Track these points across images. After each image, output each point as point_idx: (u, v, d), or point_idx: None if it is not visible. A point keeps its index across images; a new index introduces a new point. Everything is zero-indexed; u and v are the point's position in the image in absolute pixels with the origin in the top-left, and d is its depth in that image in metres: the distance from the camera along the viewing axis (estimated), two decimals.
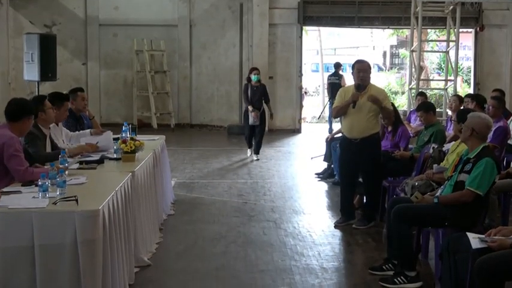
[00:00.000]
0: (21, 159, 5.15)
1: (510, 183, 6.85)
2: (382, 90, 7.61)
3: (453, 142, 6.86)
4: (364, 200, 7.80)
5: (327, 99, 20.13)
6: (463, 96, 10.12)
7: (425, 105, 8.20)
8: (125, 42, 17.40)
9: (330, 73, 18.42)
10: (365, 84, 7.27)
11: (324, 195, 9.41)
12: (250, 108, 12.04)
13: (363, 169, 7.42)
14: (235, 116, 17.26)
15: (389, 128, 8.27)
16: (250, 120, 12.08)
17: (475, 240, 4.37)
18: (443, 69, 20.92)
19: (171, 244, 6.73)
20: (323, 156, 10.66)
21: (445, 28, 16.73)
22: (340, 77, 17.17)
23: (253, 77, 12.06)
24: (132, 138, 6.44)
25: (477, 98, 8.83)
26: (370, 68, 7.41)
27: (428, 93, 17.12)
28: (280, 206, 8.56)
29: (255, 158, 12.25)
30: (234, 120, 17.19)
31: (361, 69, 7.30)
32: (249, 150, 12.64)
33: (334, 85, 16.54)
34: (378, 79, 25.83)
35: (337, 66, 18.14)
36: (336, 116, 7.94)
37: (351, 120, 7.34)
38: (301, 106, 18.38)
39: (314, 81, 29.66)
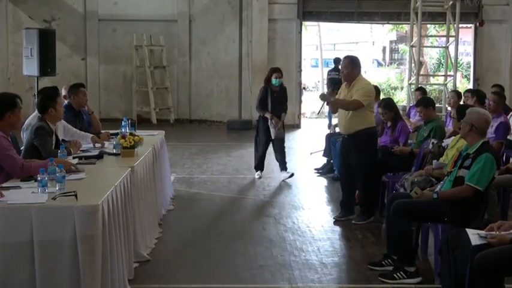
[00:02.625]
0: (14, 158, 5.09)
1: (510, 178, 6.85)
2: (365, 83, 7.35)
3: (453, 137, 6.86)
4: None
5: None
6: (462, 91, 10.12)
7: (424, 101, 8.19)
8: (124, 38, 17.37)
9: (330, 68, 18.41)
10: (348, 80, 7.35)
11: (323, 191, 9.41)
12: (268, 116, 9.44)
13: (354, 165, 7.43)
14: (235, 111, 17.25)
15: (389, 124, 8.28)
16: (274, 133, 9.46)
17: (474, 236, 4.37)
18: (443, 64, 20.89)
19: (171, 239, 6.73)
20: (322, 152, 10.66)
21: (445, 23, 16.72)
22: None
23: (275, 81, 9.44)
24: (131, 134, 6.44)
25: (477, 94, 8.82)
26: (353, 63, 7.31)
27: (428, 88, 17.10)
28: (279, 202, 8.56)
29: (287, 177, 9.74)
30: (234, 115, 17.19)
31: (342, 65, 7.46)
32: (258, 172, 9.92)
33: (334, 80, 16.54)
34: (377, 74, 25.84)
35: (337, 61, 18.07)
36: (332, 112, 7.98)
37: (339, 116, 7.55)
38: (300, 101, 18.37)
39: (313, 77, 29.65)
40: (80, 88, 7.71)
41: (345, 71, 7.32)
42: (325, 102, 7.60)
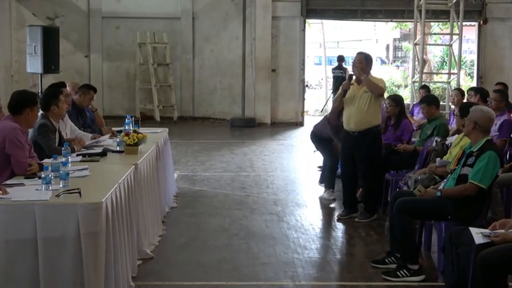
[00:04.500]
0: (24, 151, 5.13)
1: None
2: (379, 79, 7.41)
3: (456, 135, 6.85)
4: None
5: (329, 92, 20.13)
6: (465, 89, 10.10)
7: (428, 99, 8.19)
8: (127, 35, 17.37)
9: (334, 66, 18.40)
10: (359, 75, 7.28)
11: None
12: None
13: (361, 162, 7.41)
14: (238, 109, 17.25)
15: (392, 121, 8.27)
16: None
17: (478, 235, 4.37)
18: (446, 62, 20.85)
19: (174, 237, 6.74)
20: None
21: (448, 21, 16.71)
22: (345, 70, 17.18)
23: None
24: (135, 131, 6.44)
25: (480, 91, 8.81)
26: (367, 59, 7.29)
27: (431, 86, 17.09)
28: (282, 199, 8.56)
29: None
30: (237, 113, 17.19)
31: (355, 61, 7.34)
32: (329, 191, 8.58)
33: (338, 78, 16.55)
34: (381, 72, 25.80)
35: (341, 59, 18.09)
36: (335, 108, 7.80)
37: (348, 113, 7.39)
38: (303, 99, 18.38)
39: (317, 74, 29.63)
40: (91, 91, 7.78)
41: (359, 65, 7.22)
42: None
